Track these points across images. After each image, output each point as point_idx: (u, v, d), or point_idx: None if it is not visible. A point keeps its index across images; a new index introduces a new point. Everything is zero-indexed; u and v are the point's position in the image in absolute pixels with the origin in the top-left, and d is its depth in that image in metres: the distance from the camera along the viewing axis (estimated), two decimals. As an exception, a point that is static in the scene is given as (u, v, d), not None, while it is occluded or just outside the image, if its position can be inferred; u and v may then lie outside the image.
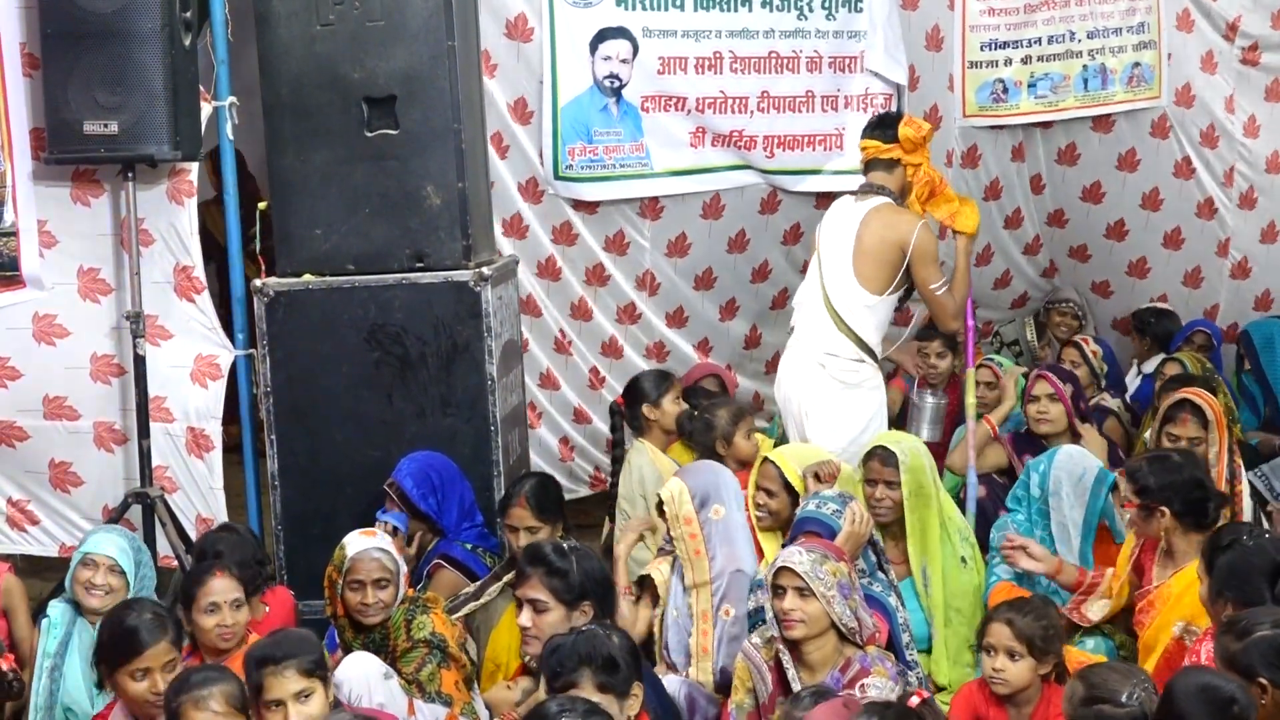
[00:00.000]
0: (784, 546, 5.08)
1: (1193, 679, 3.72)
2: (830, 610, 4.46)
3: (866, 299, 6.05)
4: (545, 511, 5.49)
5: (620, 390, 6.99)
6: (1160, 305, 8.66)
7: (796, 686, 4.45)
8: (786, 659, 4.55)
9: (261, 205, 6.27)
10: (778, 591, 4.53)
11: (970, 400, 6.50)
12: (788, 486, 5.54)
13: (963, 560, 5.56)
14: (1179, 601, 4.88)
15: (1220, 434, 5.94)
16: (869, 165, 6.28)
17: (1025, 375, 7.06)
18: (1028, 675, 4.54)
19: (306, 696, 4.07)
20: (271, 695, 4.07)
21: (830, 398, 6.05)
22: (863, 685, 4.37)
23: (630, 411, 6.63)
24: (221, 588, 4.82)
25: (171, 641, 4.42)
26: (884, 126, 6.27)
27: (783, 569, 4.53)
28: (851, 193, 6.33)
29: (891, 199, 6.15)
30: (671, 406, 6.54)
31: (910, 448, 5.63)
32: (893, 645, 4.95)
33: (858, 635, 4.53)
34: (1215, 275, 8.87)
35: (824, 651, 4.51)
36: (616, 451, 6.70)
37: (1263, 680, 3.79)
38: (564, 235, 7.43)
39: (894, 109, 7.67)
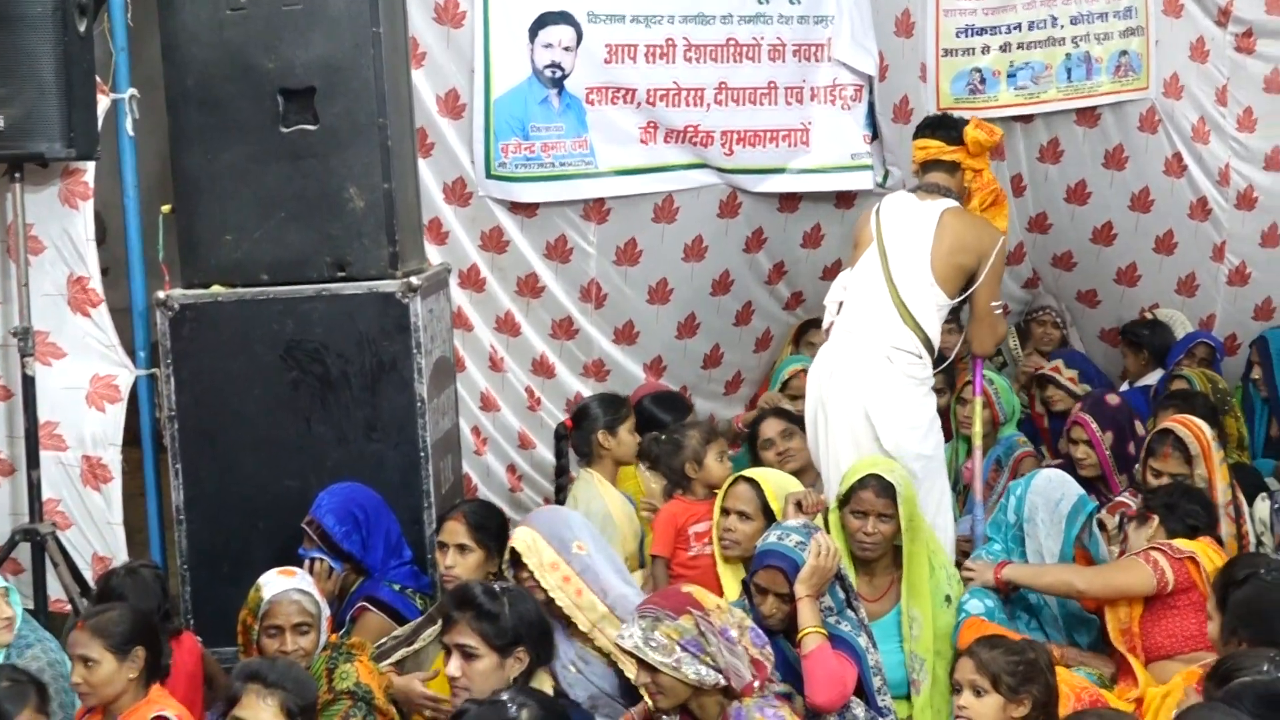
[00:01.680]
0: (744, 580, 5.15)
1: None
2: (679, 676, 4.43)
3: (940, 299, 6.13)
4: (481, 531, 5.45)
5: (560, 412, 6.91)
6: (1151, 315, 8.62)
7: None
8: None
9: (165, 208, 6.15)
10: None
11: (976, 429, 6.59)
12: (765, 511, 5.54)
13: (946, 599, 5.52)
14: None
15: (1209, 467, 5.97)
16: (926, 165, 6.40)
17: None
18: (995, 714, 4.52)
19: None
20: (241, 712, 4.19)
21: (902, 395, 6.05)
22: None
23: (579, 437, 6.58)
24: (77, 641, 4.67)
25: (36, 709, 4.35)
26: (946, 127, 6.44)
27: (626, 650, 4.56)
28: (912, 190, 6.44)
29: (959, 202, 6.28)
30: (628, 437, 6.52)
31: (903, 477, 5.62)
32: (862, 690, 4.94)
33: (730, 689, 4.49)
34: (1211, 282, 8.85)
35: (708, 711, 4.51)
36: (560, 480, 6.66)
37: None
38: (493, 242, 7.35)
39: (867, 101, 7.64)
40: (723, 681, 4.45)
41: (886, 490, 5.46)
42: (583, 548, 5.18)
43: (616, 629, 4.97)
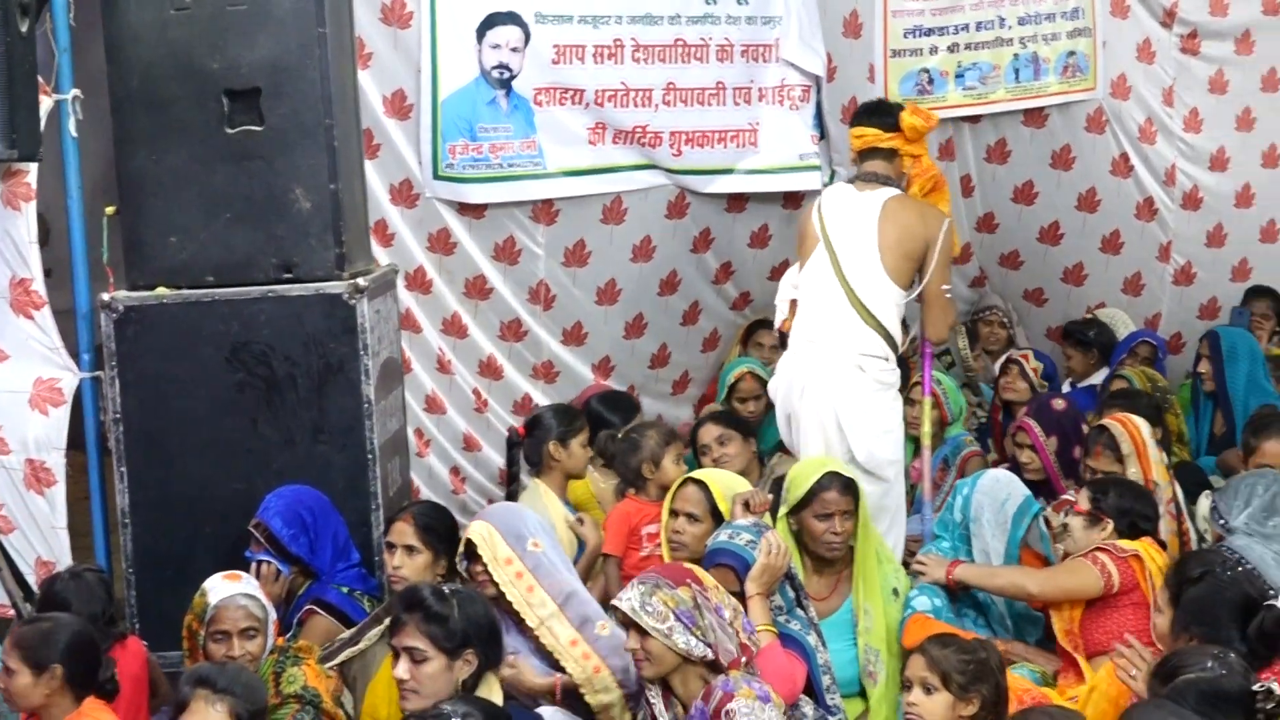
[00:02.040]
0: None
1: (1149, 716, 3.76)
2: (670, 644, 4.47)
3: (896, 295, 6.20)
4: (429, 533, 5.43)
5: (508, 414, 6.89)
6: (1094, 314, 8.67)
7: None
8: (655, 695, 4.57)
9: (109, 210, 6.10)
10: (627, 630, 4.57)
11: (925, 429, 6.65)
12: (713, 513, 5.54)
13: (894, 593, 5.55)
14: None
15: (1143, 466, 6.01)
16: (864, 154, 6.43)
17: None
18: (944, 712, 4.54)
19: None
20: (190, 718, 4.16)
21: (875, 403, 6.14)
22: (728, 712, 4.35)
23: (530, 446, 6.55)
24: (4, 647, 4.68)
25: None
26: (882, 114, 6.49)
27: (617, 609, 4.59)
28: (850, 180, 6.50)
29: (900, 189, 6.30)
30: (580, 450, 6.49)
31: (856, 474, 5.67)
32: (811, 689, 4.96)
33: (717, 663, 4.51)
34: (1157, 282, 8.94)
35: (689, 685, 4.53)
36: (511, 487, 6.62)
37: None
38: (440, 243, 7.34)
39: (815, 102, 7.67)
40: (710, 655, 4.48)
41: (849, 488, 5.49)
42: (538, 545, 5.17)
43: (565, 627, 5.00)
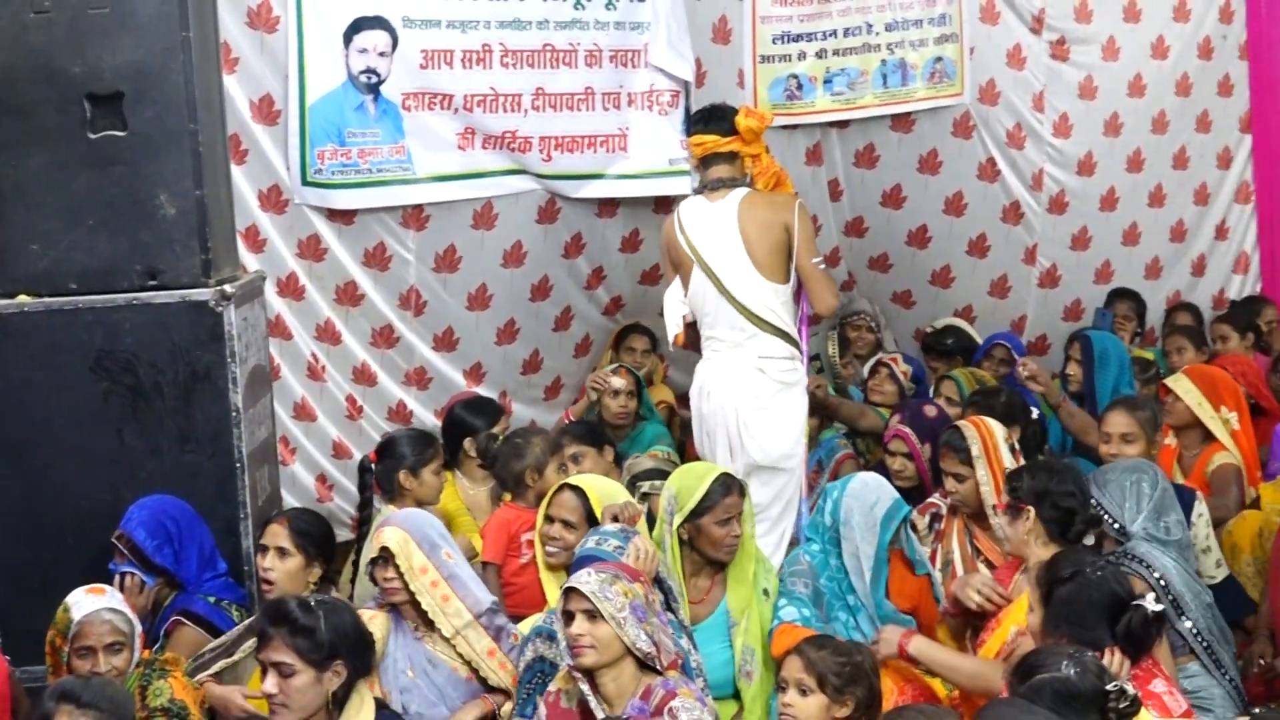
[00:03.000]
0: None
1: (1003, 716, 3.80)
2: (622, 633, 4.51)
3: (778, 290, 6.38)
4: (303, 537, 5.45)
5: (382, 420, 6.85)
6: (947, 323, 8.77)
7: (599, 715, 4.52)
8: (586, 689, 4.57)
9: (-32, 216, 6.01)
10: (567, 617, 4.58)
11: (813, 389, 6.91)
12: (589, 519, 5.62)
13: (765, 593, 5.59)
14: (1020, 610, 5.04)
15: (991, 469, 6.04)
16: (706, 161, 6.54)
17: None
18: (819, 714, 4.61)
19: None
20: None
21: (772, 401, 6.34)
22: (671, 710, 4.43)
23: (382, 473, 6.41)
24: None
25: None
26: (718, 119, 6.57)
27: (570, 590, 4.59)
28: (696, 193, 6.65)
29: (747, 188, 6.44)
30: (432, 478, 6.39)
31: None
32: None
33: (657, 660, 4.56)
34: (1022, 284, 9.10)
35: (620, 681, 4.57)
36: (365, 513, 6.46)
37: None
38: (311, 250, 7.32)
39: (684, 107, 7.73)
40: (654, 652, 4.53)
41: (743, 490, 5.56)
42: (450, 556, 5.23)
43: (482, 637, 5.11)
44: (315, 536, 5.51)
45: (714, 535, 5.47)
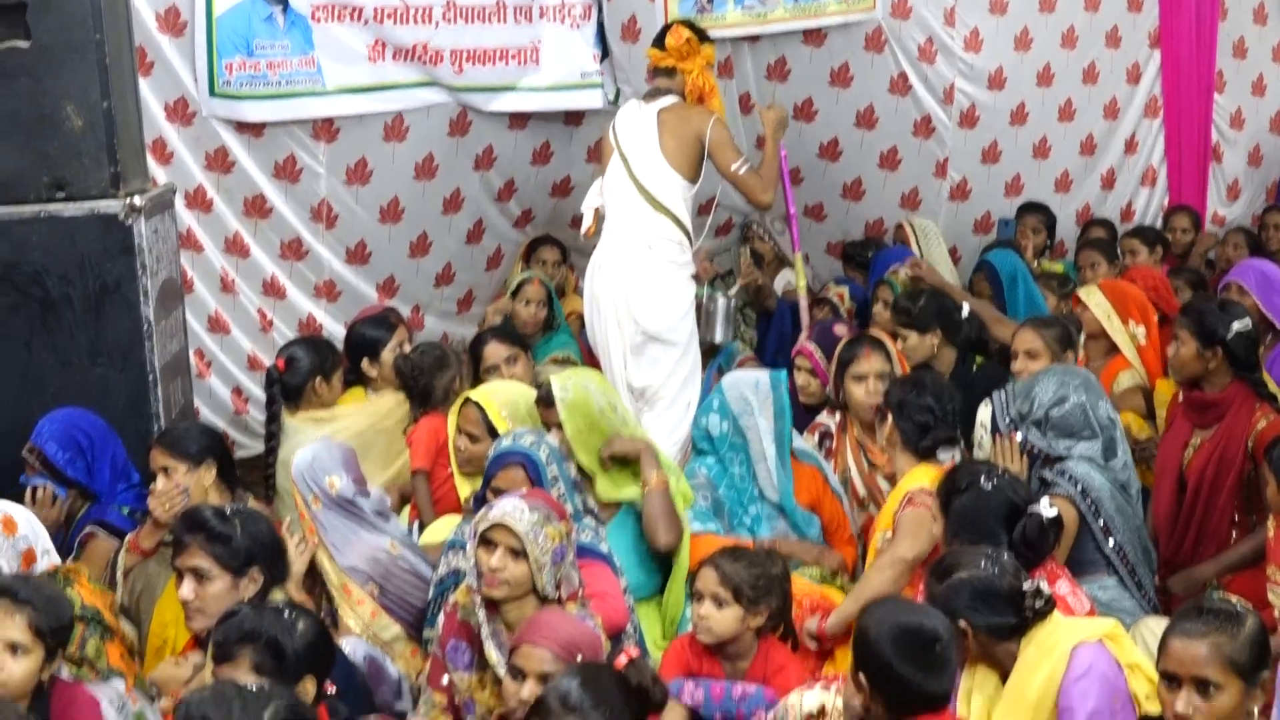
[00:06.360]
0: (484, 484, 5.19)
1: (888, 617, 3.85)
2: (537, 576, 4.52)
3: (681, 184, 6.76)
4: (176, 450, 5.34)
5: (291, 333, 6.85)
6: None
7: (490, 647, 4.54)
8: (483, 615, 4.59)
9: None
10: (487, 544, 4.55)
11: (801, 284, 7.56)
12: (490, 431, 5.69)
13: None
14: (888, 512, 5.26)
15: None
16: (654, 72, 7.01)
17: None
18: (733, 625, 4.72)
19: (17, 652, 4.06)
20: None
21: (659, 278, 6.69)
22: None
23: (292, 379, 6.39)
24: None
25: None
26: (660, 36, 6.95)
27: (500, 525, 4.54)
28: (640, 98, 6.92)
29: (679, 99, 6.77)
30: (339, 384, 6.49)
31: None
32: None
33: (558, 597, 4.59)
34: (933, 197, 9.21)
35: (522, 612, 4.57)
36: (272, 426, 6.41)
37: (963, 623, 4.02)
38: (218, 162, 7.32)
39: (596, 20, 7.82)
40: (558, 596, 4.56)
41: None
42: (335, 484, 5.23)
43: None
44: (192, 446, 5.38)
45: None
